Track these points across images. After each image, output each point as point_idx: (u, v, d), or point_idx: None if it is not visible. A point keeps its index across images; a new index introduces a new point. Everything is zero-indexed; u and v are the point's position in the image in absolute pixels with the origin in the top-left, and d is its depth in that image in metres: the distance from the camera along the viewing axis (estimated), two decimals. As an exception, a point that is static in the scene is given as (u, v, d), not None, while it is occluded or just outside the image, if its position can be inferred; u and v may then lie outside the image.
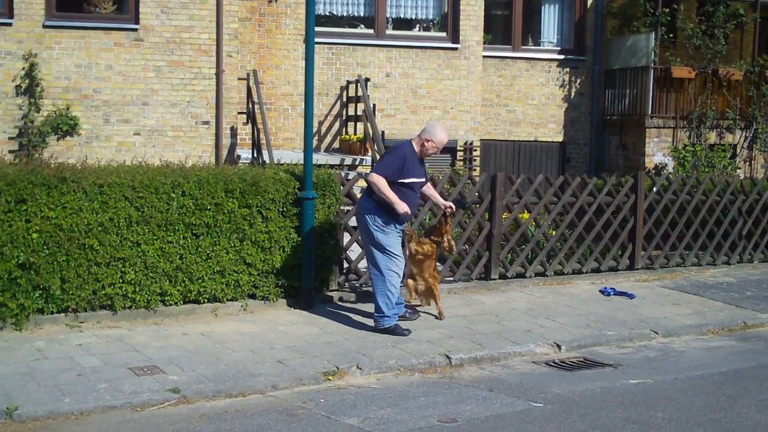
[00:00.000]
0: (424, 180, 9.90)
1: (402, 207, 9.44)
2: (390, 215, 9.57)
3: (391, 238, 9.65)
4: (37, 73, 14.83)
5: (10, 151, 14.66)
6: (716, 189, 14.28)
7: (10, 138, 14.86)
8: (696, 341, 10.40)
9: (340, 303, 10.98)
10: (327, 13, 17.88)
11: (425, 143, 9.69)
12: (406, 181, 9.58)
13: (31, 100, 14.81)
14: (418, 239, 10.43)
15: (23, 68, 14.79)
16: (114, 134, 15.37)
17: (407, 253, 10.43)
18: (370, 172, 9.94)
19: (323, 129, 17.61)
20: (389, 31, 18.18)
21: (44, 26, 14.93)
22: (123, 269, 9.69)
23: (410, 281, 10.53)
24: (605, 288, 12.38)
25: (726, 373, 8.99)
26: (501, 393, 8.12)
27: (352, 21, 18.13)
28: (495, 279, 12.31)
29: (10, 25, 14.79)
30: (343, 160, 16.29)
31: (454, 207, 10.32)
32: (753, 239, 14.81)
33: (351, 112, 17.53)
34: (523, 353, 9.45)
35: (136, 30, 15.39)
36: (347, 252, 11.29)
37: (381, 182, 9.47)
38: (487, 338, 9.72)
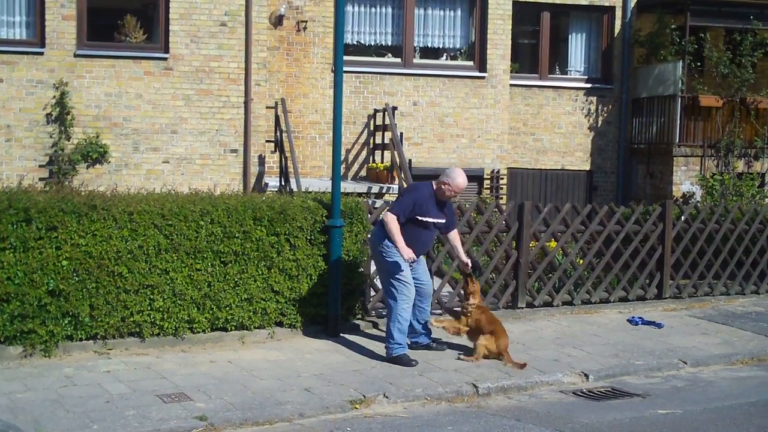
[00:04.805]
0: (444, 222, 9.90)
1: (407, 253, 9.46)
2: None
3: (402, 264, 9.65)
4: (68, 101, 15.02)
5: (41, 179, 14.82)
6: (744, 218, 14.19)
7: (40, 165, 15.03)
8: (725, 371, 10.31)
9: (366, 331, 10.97)
10: (355, 43, 18.00)
11: (442, 186, 9.70)
12: (421, 219, 9.62)
13: (61, 128, 14.99)
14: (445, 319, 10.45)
15: (54, 97, 14.98)
16: (143, 162, 15.51)
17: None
18: (387, 210, 9.93)
19: (350, 157, 17.68)
20: (416, 60, 18.27)
21: (75, 55, 15.14)
22: (151, 296, 9.74)
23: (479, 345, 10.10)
24: (633, 317, 12.30)
25: (756, 403, 8.90)
26: (528, 423, 8.08)
27: (379, 50, 18.24)
28: (522, 308, 12.28)
29: (41, 54, 15.01)
30: (370, 188, 16.33)
31: (469, 265, 10.16)
32: (782, 268, 14.69)
33: (378, 140, 17.61)
34: (550, 382, 9.41)
35: (165, 59, 15.56)
36: (374, 280, 11.29)
37: (392, 223, 9.51)
38: (515, 367, 9.69)
